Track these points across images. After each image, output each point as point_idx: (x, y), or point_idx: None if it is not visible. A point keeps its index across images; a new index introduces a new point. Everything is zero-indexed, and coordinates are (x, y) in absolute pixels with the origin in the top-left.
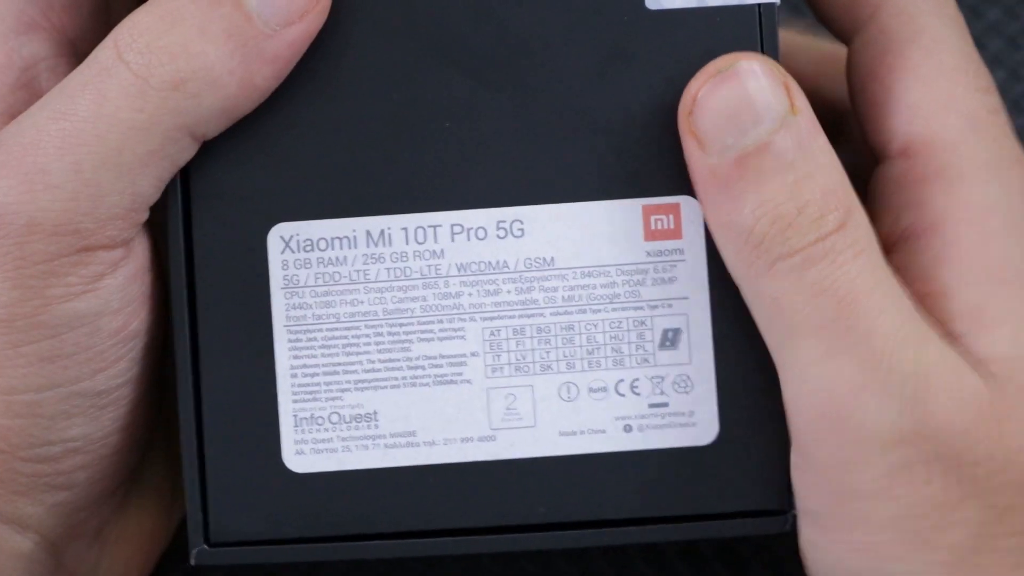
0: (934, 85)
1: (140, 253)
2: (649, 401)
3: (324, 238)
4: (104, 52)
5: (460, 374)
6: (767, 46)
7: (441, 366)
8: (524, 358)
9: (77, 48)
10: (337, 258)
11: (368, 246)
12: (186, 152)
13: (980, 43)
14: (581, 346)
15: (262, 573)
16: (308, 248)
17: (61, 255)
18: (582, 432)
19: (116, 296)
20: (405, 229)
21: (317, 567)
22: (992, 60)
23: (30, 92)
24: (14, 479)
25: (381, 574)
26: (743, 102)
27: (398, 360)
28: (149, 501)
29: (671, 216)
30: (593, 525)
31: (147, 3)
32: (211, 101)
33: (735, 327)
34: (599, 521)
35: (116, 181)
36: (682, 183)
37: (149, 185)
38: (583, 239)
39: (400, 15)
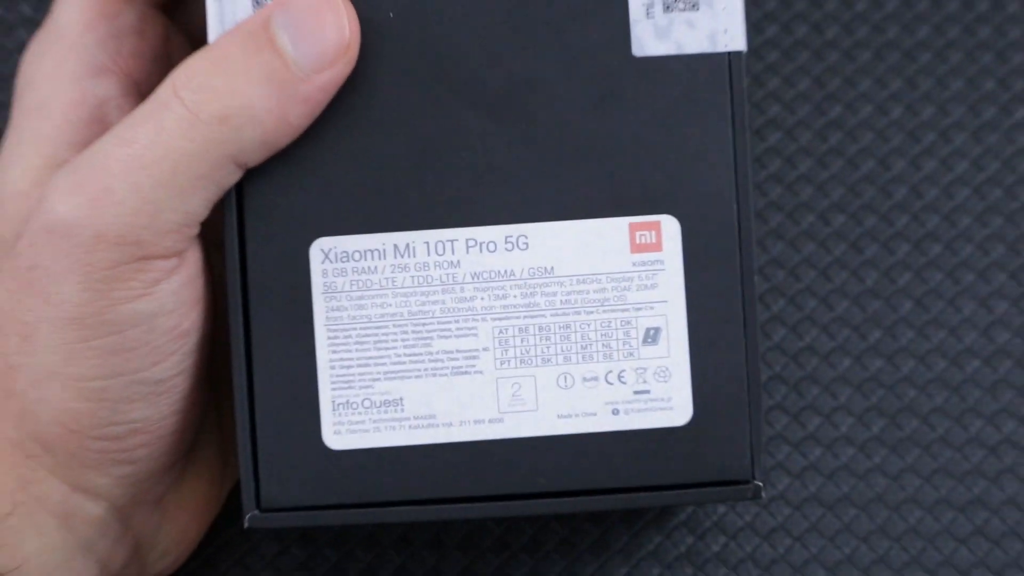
0: None
1: (192, 262)
2: (634, 388)
3: (358, 250)
4: (163, 90)
5: (473, 366)
6: (735, 87)
7: (457, 359)
8: (528, 352)
9: (141, 89)
10: (369, 267)
11: (395, 257)
12: (231, 177)
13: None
14: (576, 342)
15: (299, 533)
16: (344, 259)
17: (123, 263)
18: (576, 415)
19: (170, 299)
20: (427, 243)
21: (347, 528)
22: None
23: (101, 126)
24: (85, 455)
25: (401, 534)
26: None
27: (421, 354)
28: (203, 474)
29: (653, 232)
30: (585, 493)
31: (201, 49)
32: (251, 134)
33: (707, 325)
34: (590, 490)
35: (171, 200)
36: (663, 204)
37: (199, 204)
38: (578, 251)
39: (422, 61)
